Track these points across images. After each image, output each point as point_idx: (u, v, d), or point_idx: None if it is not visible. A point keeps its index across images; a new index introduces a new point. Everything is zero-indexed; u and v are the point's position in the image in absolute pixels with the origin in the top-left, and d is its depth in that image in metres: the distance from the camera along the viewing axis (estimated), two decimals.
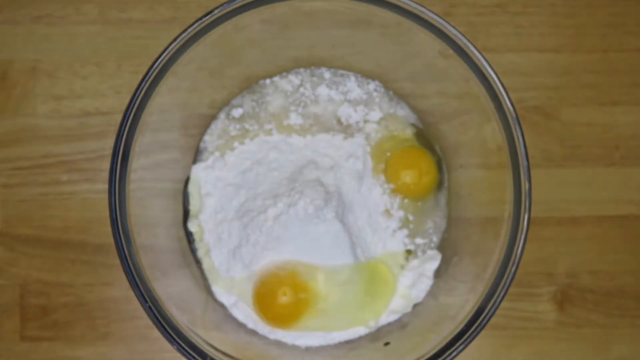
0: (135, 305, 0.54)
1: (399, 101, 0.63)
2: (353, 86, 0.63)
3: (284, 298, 0.57)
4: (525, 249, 0.51)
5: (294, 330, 0.59)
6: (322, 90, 0.63)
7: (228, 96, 0.63)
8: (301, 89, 0.63)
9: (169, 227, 0.60)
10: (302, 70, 0.63)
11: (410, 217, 0.61)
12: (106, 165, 0.58)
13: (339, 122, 0.62)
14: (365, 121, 0.62)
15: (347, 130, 0.62)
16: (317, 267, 0.57)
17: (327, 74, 0.63)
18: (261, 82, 0.63)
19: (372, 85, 0.63)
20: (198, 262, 0.61)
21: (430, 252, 0.61)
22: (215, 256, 0.60)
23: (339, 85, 0.63)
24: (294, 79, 0.63)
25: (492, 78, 0.52)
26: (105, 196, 0.51)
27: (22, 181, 0.64)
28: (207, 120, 0.62)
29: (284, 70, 0.63)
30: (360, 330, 0.60)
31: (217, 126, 0.62)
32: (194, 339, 0.52)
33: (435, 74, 0.56)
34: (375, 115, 0.62)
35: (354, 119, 0.62)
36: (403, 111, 0.63)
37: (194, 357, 0.51)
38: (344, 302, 0.58)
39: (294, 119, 0.62)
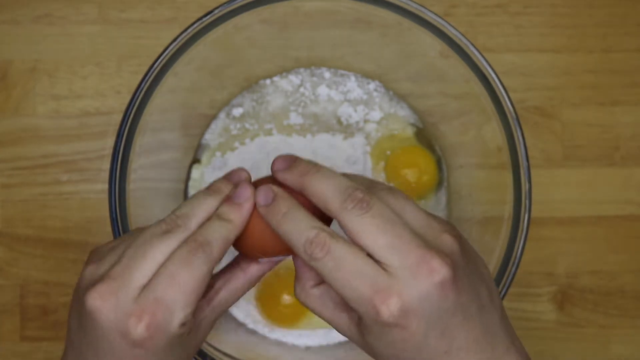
0: None
1: (399, 101, 0.63)
2: (353, 86, 0.63)
3: (287, 298, 0.57)
4: (525, 249, 0.51)
5: (297, 329, 0.59)
6: (322, 90, 0.62)
7: (228, 96, 0.63)
8: (301, 89, 0.63)
9: None
10: (302, 70, 0.63)
11: None
12: (106, 165, 0.58)
13: (339, 122, 0.62)
14: (366, 121, 0.62)
15: (347, 130, 0.62)
16: None
17: (327, 74, 0.63)
18: (261, 82, 0.63)
19: (372, 85, 0.63)
20: None
21: None
22: None
23: (339, 85, 0.63)
24: (294, 79, 0.63)
25: (492, 78, 0.52)
26: (105, 196, 0.51)
27: (22, 181, 0.64)
28: (208, 120, 0.62)
29: (284, 70, 0.63)
30: None
31: (217, 126, 0.62)
32: None
33: (435, 74, 0.56)
34: (376, 115, 0.62)
35: (354, 119, 0.62)
36: (403, 111, 0.63)
37: (193, 357, 0.51)
38: None
39: (294, 119, 0.62)
